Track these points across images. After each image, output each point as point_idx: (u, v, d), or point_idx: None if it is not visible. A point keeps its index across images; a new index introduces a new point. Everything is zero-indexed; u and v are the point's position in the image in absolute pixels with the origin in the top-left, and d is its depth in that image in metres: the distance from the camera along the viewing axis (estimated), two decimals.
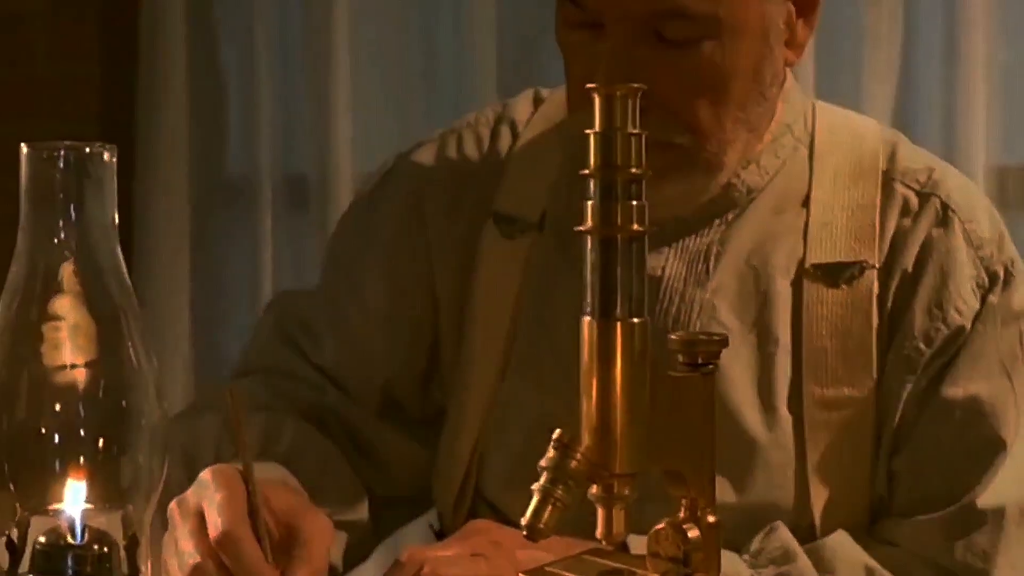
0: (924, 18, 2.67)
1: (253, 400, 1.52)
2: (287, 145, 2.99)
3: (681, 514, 1.04)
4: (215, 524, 1.21)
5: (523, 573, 1.07)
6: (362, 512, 1.55)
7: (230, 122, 3.00)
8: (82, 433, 0.92)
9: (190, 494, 1.26)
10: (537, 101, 1.61)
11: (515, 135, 1.58)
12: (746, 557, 1.38)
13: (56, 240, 0.91)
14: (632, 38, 1.34)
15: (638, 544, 1.10)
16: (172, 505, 1.26)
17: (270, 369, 1.60)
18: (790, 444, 1.42)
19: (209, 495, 1.24)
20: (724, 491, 1.38)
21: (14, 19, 3.07)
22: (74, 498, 0.91)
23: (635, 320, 1.01)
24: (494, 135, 1.59)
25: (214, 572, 1.21)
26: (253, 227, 2.95)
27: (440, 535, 1.59)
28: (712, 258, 1.47)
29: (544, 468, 1.01)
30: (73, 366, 0.91)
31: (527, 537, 1.01)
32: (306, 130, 2.97)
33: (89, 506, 0.91)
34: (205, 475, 1.26)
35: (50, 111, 3.07)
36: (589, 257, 1.01)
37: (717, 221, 1.47)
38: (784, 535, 1.38)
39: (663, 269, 1.46)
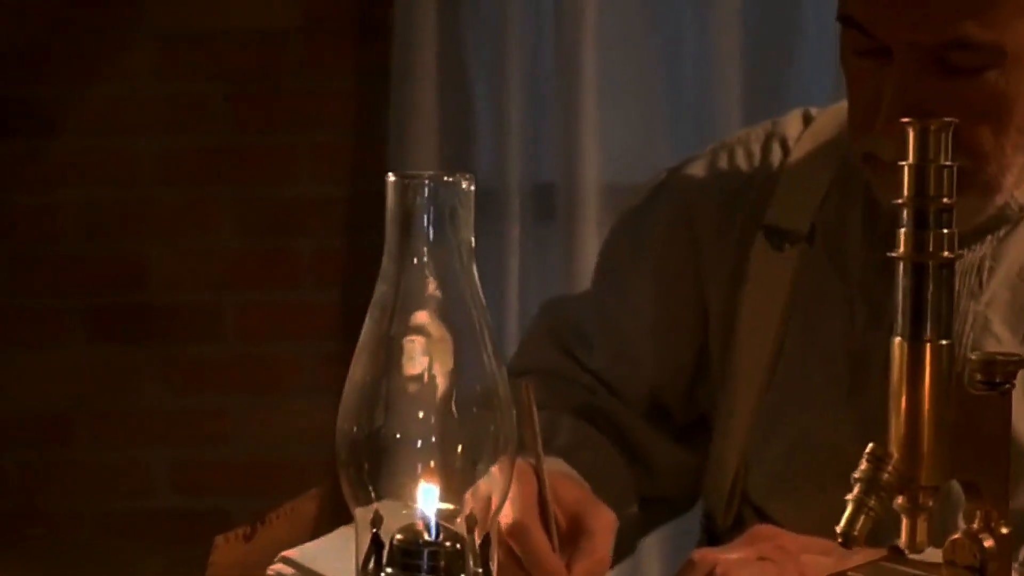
0: None
1: None
2: (535, 155, 3.04)
3: (976, 524, 1.08)
4: (506, 514, 1.27)
5: None
6: (632, 507, 1.60)
7: (479, 133, 3.06)
8: (433, 439, 0.98)
9: (483, 485, 1.33)
10: (807, 119, 1.65)
11: (786, 151, 1.62)
12: (1015, 564, 1.40)
13: (418, 261, 0.98)
14: (919, 66, 1.38)
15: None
16: (466, 496, 1.33)
17: (544, 371, 1.66)
18: None
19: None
20: None
21: (273, 35, 3.17)
22: (428, 499, 0.97)
23: (943, 342, 1.05)
24: (765, 151, 1.63)
25: (504, 559, 1.26)
26: (501, 236, 3.00)
27: (710, 533, 1.64)
28: (985, 272, 1.49)
29: (858, 480, 1.05)
30: (431, 376, 0.97)
31: (842, 544, 1.05)
32: (554, 141, 3.01)
33: (445, 506, 0.97)
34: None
35: (307, 122, 3.18)
36: (901, 282, 1.05)
37: (989, 236, 1.50)
38: None
39: None
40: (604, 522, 1.35)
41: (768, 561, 1.32)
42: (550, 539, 1.29)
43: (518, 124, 3.01)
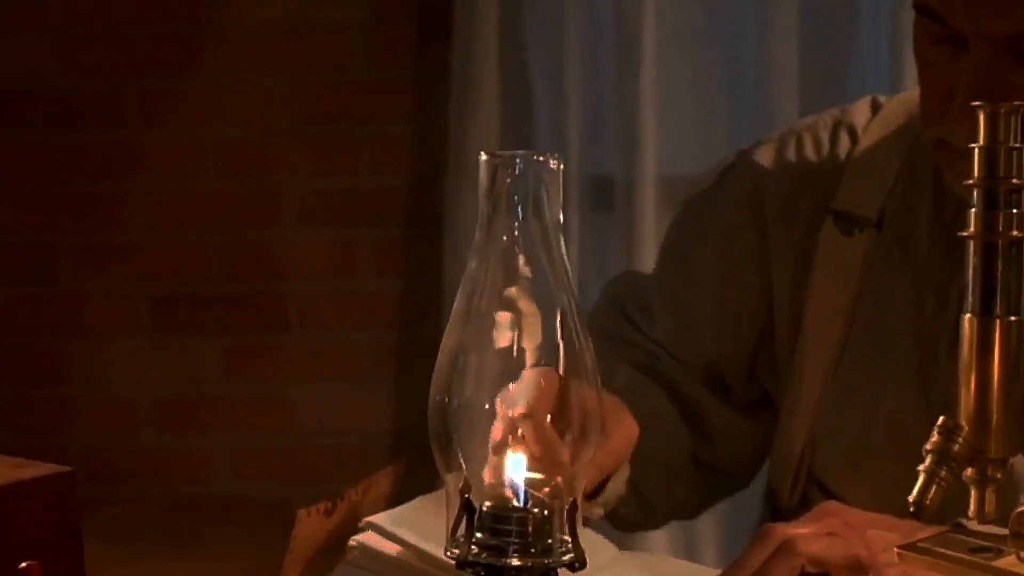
0: None
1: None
2: (594, 147, 3.05)
3: None
4: (522, 404, 1.29)
5: (898, 548, 1.14)
6: (685, 463, 1.63)
7: (539, 126, 3.08)
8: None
9: (513, 387, 1.33)
10: (875, 107, 1.67)
11: (854, 139, 1.65)
12: None
13: (508, 238, 1.00)
14: (993, 55, 1.38)
15: None
16: (497, 400, 1.34)
17: (607, 333, 1.70)
18: None
19: (526, 386, 1.31)
20: None
21: (336, 27, 3.20)
22: (516, 467, 1.00)
23: (1012, 318, 1.07)
24: (833, 138, 1.66)
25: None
26: None
27: (774, 511, 1.67)
28: None
29: (929, 451, 1.07)
30: (520, 350, 1.00)
31: (913, 514, 1.07)
32: (613, 133, 3.02)
33: (533, 475, 0.99)
34: (526, 372, 1.34)
35: (369, 115, 3.21)
36: (971, 260, 1.07)
37: None
38: None
39: None
40: (624, 428, 1.38)
41: (835, 535, 1.33)
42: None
43: (577, 116, 3.03)
